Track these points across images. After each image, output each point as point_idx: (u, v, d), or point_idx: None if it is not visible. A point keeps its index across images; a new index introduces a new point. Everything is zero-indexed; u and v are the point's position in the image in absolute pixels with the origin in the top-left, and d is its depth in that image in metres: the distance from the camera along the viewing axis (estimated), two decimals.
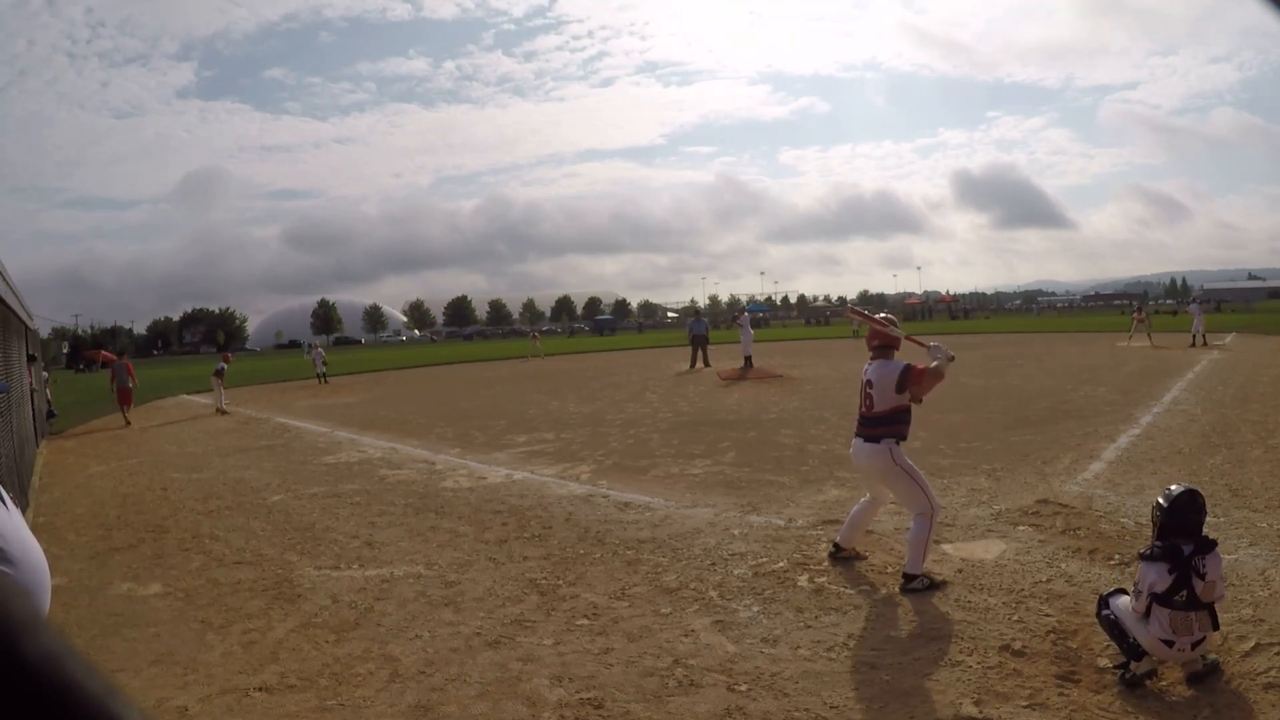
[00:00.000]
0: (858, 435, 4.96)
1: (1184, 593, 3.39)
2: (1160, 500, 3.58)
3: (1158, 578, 3.42)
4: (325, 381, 25.36)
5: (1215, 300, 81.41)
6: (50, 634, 0.33)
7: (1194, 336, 22.75)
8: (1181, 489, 3.57)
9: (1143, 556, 3.54)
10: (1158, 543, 3.50)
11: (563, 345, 50.47)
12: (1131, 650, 3.48)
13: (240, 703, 3.68)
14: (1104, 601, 3.69)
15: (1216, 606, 3.47)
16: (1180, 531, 3.47)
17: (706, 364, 22.24)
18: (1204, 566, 3.39)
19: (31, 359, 13.12)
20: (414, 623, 4.56)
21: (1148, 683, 3.44)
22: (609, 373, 23.83)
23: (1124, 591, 3.69)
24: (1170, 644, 3.40)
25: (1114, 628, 3.56)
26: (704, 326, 23.98)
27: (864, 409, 4.94)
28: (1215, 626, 3.44)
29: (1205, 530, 3.53)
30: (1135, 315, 27.18)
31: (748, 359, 19.73)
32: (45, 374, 19.68)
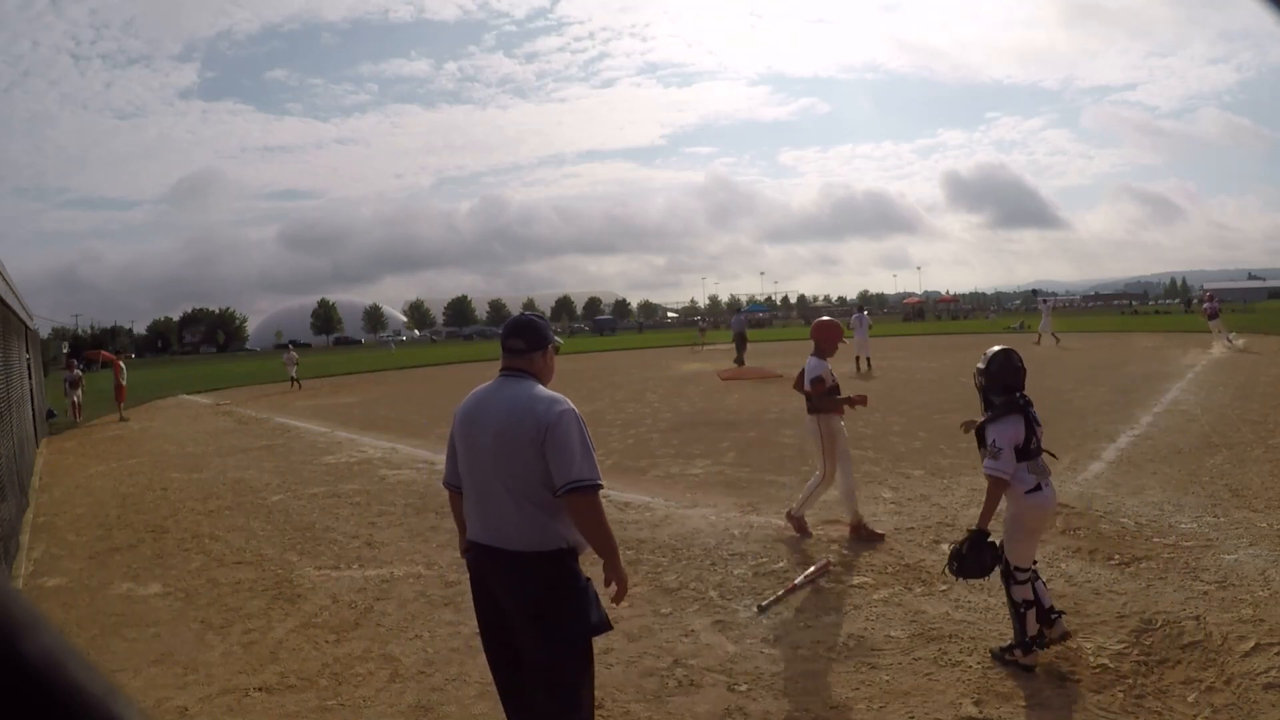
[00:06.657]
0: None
1: (1034, 440, 3.59)
2: (979, 364, 3.73)
3: (1015, 430, 3.56)
4: (297, 385, 23.92)
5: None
6: (50, 634, 0.33)
7: (1225, 337, 21.78)
8: (997, 349, 3.73)
9: (989, 421, 3.64)
10: (997, 400, 3.65)
11: (562, 346, 50.33)
12: (1021, 641, 3.59)
13: (240, 703, 3.68)
14: (1007, 586, 3.67)
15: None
16: (1002, 390, 3.63)
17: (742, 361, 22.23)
18: (1035, 415, 3.62)
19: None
20: (414, 623, 4.56)
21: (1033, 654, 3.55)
22: (609, 373, 23.82)
23: (1014, 577, 3.65)
24: (1039, 488, 3.56)
25: (1018, 614, 3.61)
26: (741, 323, 23.69)
27: None
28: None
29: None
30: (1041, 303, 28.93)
31: (865, 359, 18.62)
32: (79, 373, 19.03)
